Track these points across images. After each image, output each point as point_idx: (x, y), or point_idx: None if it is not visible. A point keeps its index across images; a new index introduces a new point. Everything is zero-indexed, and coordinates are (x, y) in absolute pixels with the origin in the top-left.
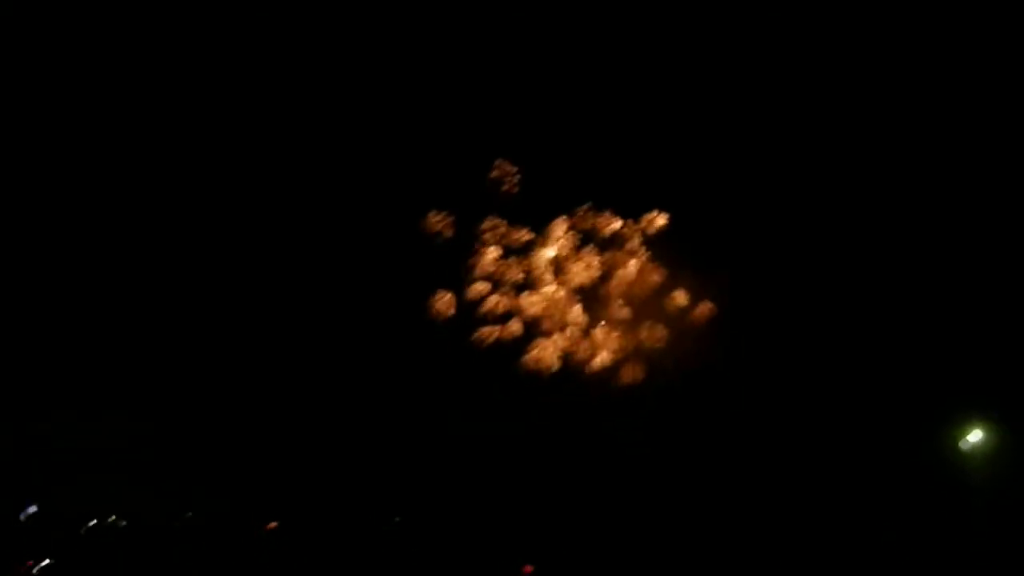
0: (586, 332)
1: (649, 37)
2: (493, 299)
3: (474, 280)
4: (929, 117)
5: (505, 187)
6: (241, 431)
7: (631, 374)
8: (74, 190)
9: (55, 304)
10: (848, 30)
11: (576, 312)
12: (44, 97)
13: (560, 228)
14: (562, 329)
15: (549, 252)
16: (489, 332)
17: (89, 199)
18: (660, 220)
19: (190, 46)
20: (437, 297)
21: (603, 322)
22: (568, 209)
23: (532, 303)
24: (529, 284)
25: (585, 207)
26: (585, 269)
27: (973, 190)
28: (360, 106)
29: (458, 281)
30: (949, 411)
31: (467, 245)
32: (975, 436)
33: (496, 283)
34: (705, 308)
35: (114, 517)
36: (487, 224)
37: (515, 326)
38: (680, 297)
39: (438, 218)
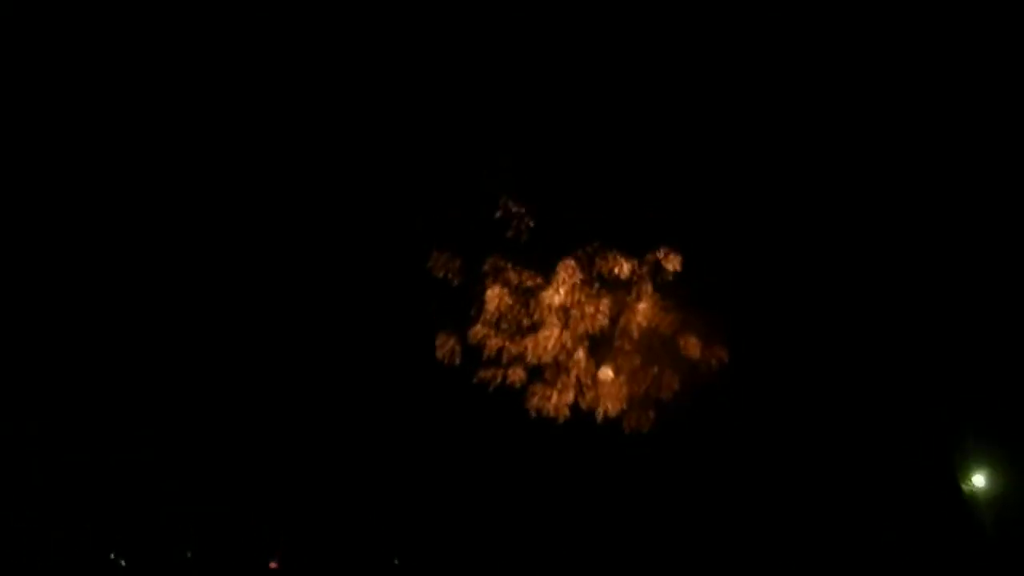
0: (592, 379)
1: (664, 70)
2: (495, 343)
3: (476, 323)
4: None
5: (511, 231)
6: (242, 474)
7: (639, 423)
8: (73, 191)
9: (54, 305)
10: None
11: (582, 357)
12: (44, 97)
13: (567, 269)
14: (567, 375)
15: (555, 294)
16: (490, 377)
17: (89, 200)
18: (673, 262)
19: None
20: (440, 341)
21: (610, 368)
22: (575, 249)
23: (536, 348)
24: (533, 327)
25: (593, 247)
26: (592, 313)
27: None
28: (363, 141)
29: (461, 324)
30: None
31: (471, 286)
32: (979, 480)
33: (499, 326)
34: (719, 355)
35: (113, 556)
36: (490, 265)
37: (518, 372)
38: (693, 344)
39: (441, 259)
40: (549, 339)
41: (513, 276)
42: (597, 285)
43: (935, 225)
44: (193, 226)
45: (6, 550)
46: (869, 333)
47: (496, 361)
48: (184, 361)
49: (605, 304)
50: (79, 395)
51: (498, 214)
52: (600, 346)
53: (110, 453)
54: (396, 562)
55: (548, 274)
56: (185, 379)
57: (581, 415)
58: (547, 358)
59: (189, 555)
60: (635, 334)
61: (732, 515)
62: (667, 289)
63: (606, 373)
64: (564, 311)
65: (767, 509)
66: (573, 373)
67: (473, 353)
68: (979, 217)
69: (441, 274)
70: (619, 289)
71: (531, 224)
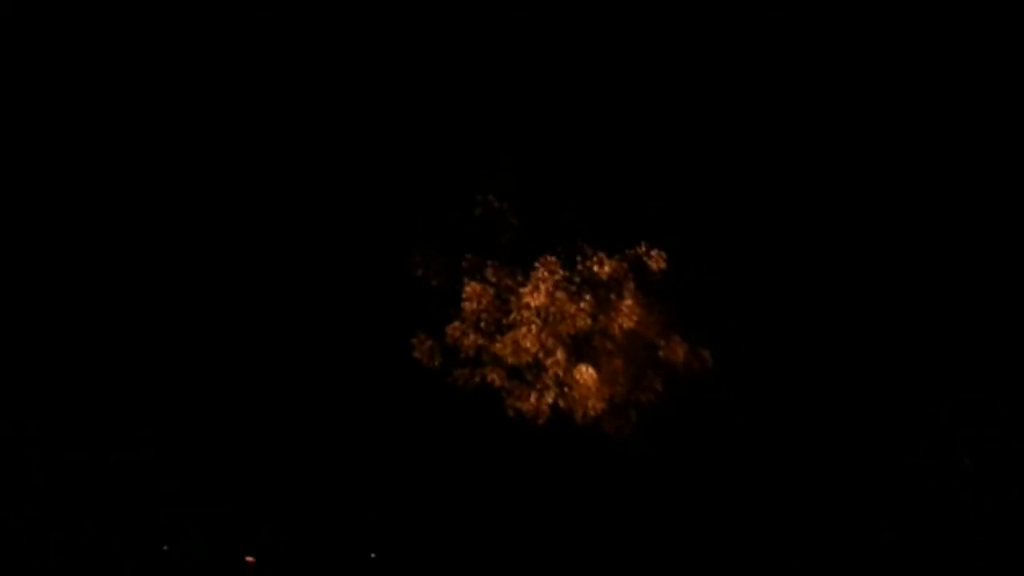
0: (573, 379)
1: (651, 70)
2: (473, 342)
3: (454, 323)
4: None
5: (493, 229)
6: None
7: (619, 426)
8: (72, 190)
9: (54, 306)
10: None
11: (561, 358)
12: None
13: (547, 267)
14: (546, 376)
15: (534, 293)
16: (467, 377)
17: (87, 199)
18: (657, 261)
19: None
20: (418, 342)
21: (590, 369)
22: (557, 248)
23: (515, 347)
24: (513, 327)
25: (575, 245)
26: (573, 312)
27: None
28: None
29: (439, 325)
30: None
31: (449, 286)
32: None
33: (478, 326)
34: (703, 358)
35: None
36: (469, 263)
37: (496, 372)
38: (676, 346)
39: (421, 258)
40: (527, 338)
41: (492, 274)
42: (578, 283)
43: (931, 223)
44: (183, 225)
45: (6, 550)
46: (861, 333)
47: (475, 361)
48: (156, 357)
49: (587, 303)
50: (79, 395)
51: (479, 212)
52: (581, 347)
53: (110, 453)
54: (373, 555)
55: (528, 272)
56: (157, 375)
57: (561, 416)
58: (526, 358)
59: (165, 548)
60: (617, 334)
61: (717, 519)
62: (651, 289)
63: (585, 373)
64: (544, 310)
65: (754, 512)
66: (552, 373)
67: (452, 354)
68: (978, 217)
69: (420, 273)
70: (601, 288)
71: (513, 222)
